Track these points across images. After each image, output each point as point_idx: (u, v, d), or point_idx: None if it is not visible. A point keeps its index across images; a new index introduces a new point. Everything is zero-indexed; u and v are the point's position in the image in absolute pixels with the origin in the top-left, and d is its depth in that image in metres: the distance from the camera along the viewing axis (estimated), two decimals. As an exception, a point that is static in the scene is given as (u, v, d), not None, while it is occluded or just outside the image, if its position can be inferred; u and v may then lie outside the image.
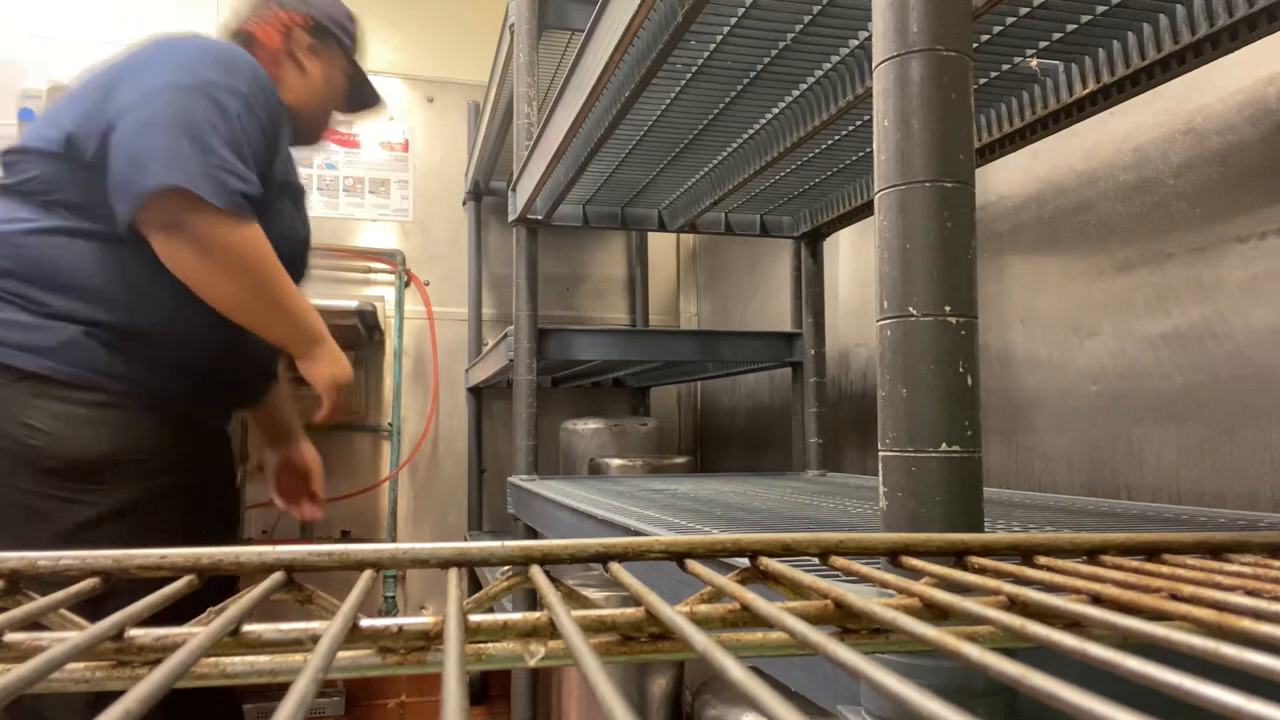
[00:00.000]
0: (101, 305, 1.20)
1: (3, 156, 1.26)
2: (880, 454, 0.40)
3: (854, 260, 1.68)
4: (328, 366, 1.32)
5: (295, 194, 1.43)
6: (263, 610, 0.29)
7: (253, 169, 1.19)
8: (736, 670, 0.17)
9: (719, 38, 0.88)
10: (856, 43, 0.89)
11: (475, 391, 2.32)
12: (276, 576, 0.29)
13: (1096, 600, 0.28)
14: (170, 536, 1.21)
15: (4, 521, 1.14)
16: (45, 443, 1.15)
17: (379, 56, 2.47)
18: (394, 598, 2.30)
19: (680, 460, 1.86)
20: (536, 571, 0.31)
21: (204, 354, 1.28)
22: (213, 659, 0.26)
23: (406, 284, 2.38)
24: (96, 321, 1.21)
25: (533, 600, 1.19)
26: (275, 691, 1.85)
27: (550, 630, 0.28)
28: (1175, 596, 0.28)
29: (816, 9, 0.83)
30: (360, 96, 1.53)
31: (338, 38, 1.46)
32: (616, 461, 1.80)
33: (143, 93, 1.15)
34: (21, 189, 1.21)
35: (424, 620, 0.26)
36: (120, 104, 1.14)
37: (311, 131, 1.49)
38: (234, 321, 1.26)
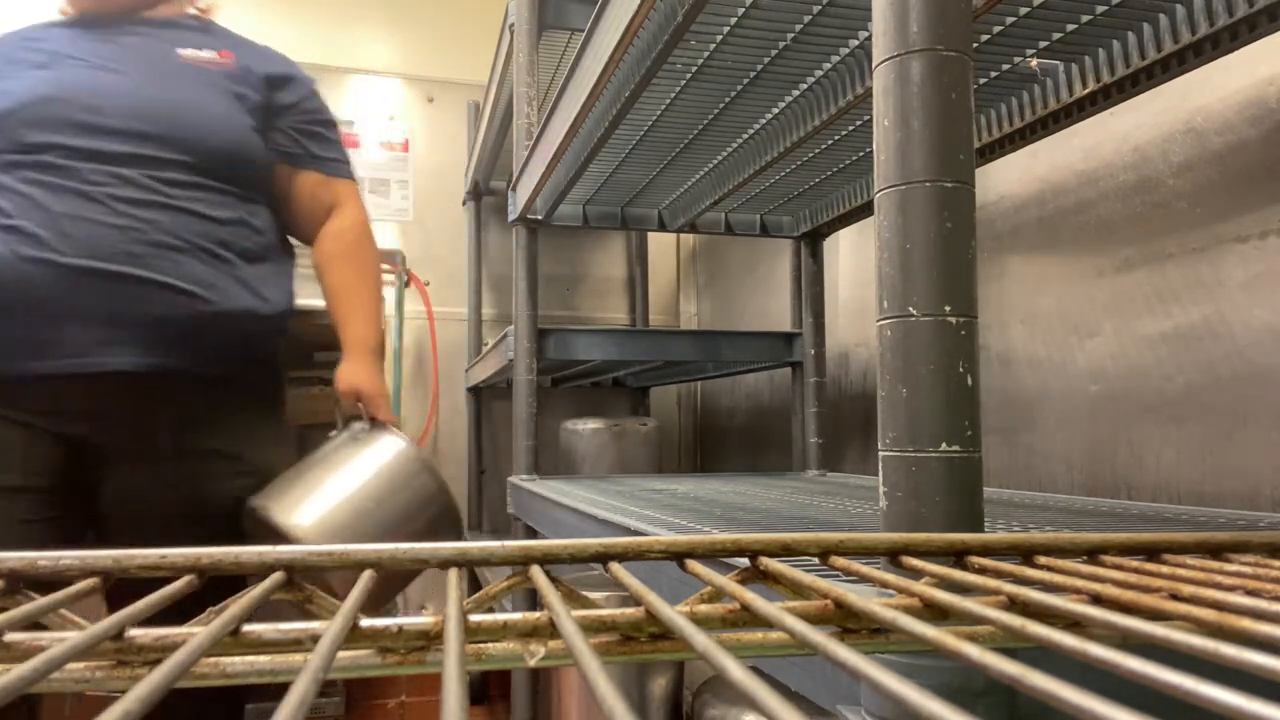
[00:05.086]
0: None
1: None
2: (880, 454, 0.40)
3: (854, 260, 1.68)
4: None
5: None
6: (263, 610, 0.28)
7: None
8: (736, 670, 0.17)
9: (719, 38, 0.88)
10: (856, 43, 0.89)
11: (475, 391, 2.32)
12: (276, 576, 0.29)
13: (1096, 600, 0.28)
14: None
15: None
16: None
17: (379, 57, 2.47)
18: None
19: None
20: (537, 571, 0.31)
21: None
22: (213, 659, 0.26)
23: (406, 284, 2.37)
24: None
25: (533, 600, 1.19)
26: (275, 690, 1.84)
27: (550, 630, 0.28)
28: (1175, 596, 0.28)
29: (816, 9, 0.83)
30: None
31: None
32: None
33: None
34: None
35: (424, 620, 0.26)
36: None
37: None
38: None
